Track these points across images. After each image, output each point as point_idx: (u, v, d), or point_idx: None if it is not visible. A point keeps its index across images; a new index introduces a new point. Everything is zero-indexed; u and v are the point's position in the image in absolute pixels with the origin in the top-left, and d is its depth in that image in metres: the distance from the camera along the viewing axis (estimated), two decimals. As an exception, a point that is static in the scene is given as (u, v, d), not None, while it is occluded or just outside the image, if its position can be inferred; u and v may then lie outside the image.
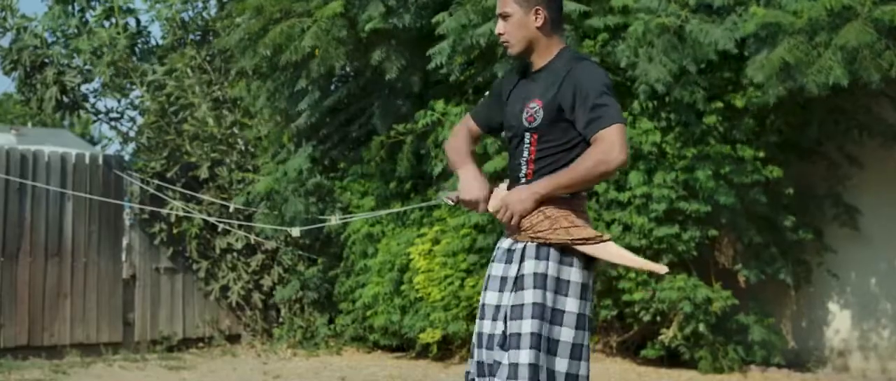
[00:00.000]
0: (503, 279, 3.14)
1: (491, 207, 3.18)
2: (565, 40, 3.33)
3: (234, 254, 9.94)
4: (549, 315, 3.02)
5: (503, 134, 3.37)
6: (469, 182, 3.22)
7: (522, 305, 3.02)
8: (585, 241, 3.06)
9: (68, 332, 9.16)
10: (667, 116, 7.58)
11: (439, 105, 8.19)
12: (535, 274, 3.04)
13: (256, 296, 9.99)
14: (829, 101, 7.63)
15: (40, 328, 9.02)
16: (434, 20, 7.58)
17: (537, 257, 3.06)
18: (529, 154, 3.14)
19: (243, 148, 10.15)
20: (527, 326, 2.99)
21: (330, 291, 9.65)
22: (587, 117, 3.03)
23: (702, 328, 7.61)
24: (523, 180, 3.16)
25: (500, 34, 3.25)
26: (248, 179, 9.89)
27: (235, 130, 10.17)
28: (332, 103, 9.18)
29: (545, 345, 2.99)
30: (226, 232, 9.82)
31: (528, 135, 3.15)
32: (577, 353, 3.03)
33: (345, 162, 9.45)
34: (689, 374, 7.72)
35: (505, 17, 3.22)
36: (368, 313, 8.82)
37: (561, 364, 3.01)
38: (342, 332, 9.55)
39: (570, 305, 3.05)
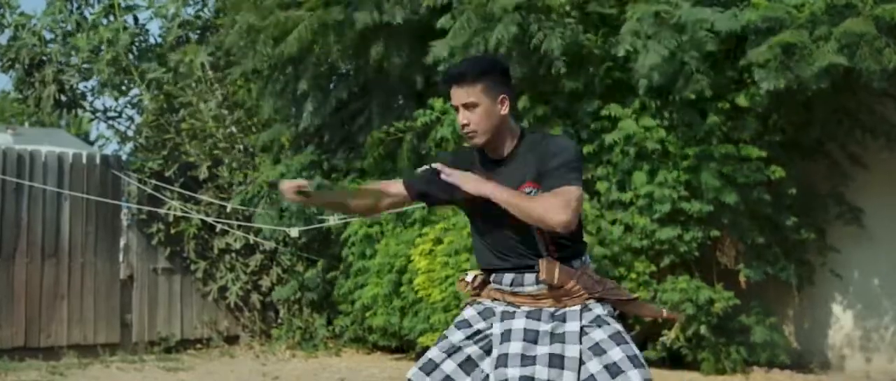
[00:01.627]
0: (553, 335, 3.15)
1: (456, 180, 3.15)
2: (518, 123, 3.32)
3: (233, 254, 9.88)
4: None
5: (472, 218, 3.34)
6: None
7: (614, 334, 3.12)
8: (631, 299, 3.28)
9: (65, 333, 9.10)
10: (670, 115, 7.53)
11: (438, 103, 8.13)
12: (611, 314, 3.18)
13: (255, 297, 9.93)
14: (832, 100, 7.58)
15: (37, 329, 8.96)
16: (439, 25, 7.53)
17: (602, 305, 3.18)
18: (543, 234, 3.14)
19: (243, 148, 10.10)
20: (630, 349, 3.09)
21: (329, 292, 9.59)
22: (557, 175, 3.07)
23: (704, 329, 7.56)
24: (548, 257, 3.16)
25: (464, 125, 3.18)
26: (248, 178, 9.83)
27: (234, 129, 10.11)
28: (332, 104, 9.13)
29: None
30: (224, 232, 9.76)
31: None
32: None
33: (345, 162, 9.40)
34: (692, 375, 7.67)
35: (470, 107, 3.16)
36: (367, 314, 8.77)
37: None
38: (341, 333, 9.50)
39: (621, 326, 3.17)
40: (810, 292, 8.37)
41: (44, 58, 10.52)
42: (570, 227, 3.03)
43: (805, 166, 8.18)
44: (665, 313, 3.62)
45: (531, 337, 3.13)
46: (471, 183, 3.12)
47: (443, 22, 7.48)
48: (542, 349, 3.10)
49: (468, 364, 3.20)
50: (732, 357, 7.72)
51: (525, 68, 7.34)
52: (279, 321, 10.07)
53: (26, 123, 14.75)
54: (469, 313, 3.32)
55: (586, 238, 3.50)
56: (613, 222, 7.52)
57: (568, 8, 7.27)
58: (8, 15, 10.58)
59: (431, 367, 3.22)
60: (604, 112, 7.56)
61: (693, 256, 7.64)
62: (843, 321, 8.35)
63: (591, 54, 7.57)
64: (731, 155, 7.52)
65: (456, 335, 3.27)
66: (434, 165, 3.24)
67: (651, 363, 7.86)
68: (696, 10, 6.90)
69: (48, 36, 10.77)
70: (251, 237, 9.74)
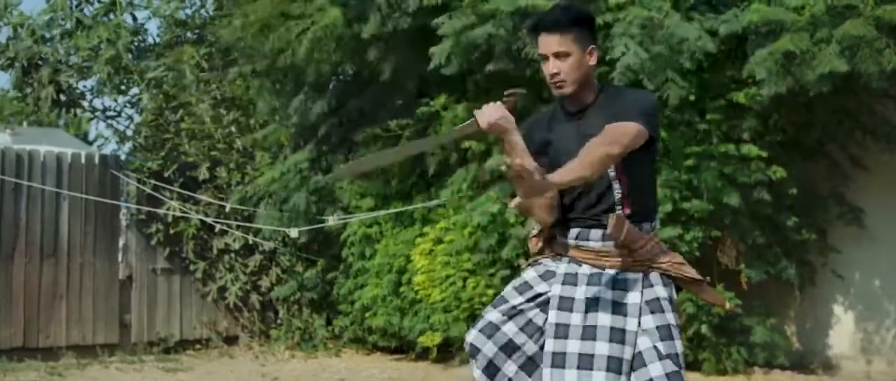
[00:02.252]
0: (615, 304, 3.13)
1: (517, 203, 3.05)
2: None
3: (232, 255, 9.86)
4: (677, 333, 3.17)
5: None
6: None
7: (662, 326, 3.12)
8: (698, 280, 3.24)
9: (64, 333, 9.07)
10: (669, 113, 7.51)
11: (440, 99, 8.12)
12: (671, 298, 3.17)
13: (254, 297, 9.91)
14: (833, 101, 7.56)
15: (36, 329, 8.94)
16: (434, 23, 7.52)
17: (664, 285, 3.18)
18: (621, 187, 3.12)
19: (241, 148, 10.07)
20: (673, 347, 3.09)
21: (328, 292, 9.57)
22: (622, 116, 3.05)
23: (705, 329, 7.54)
24: (621, 212, 3.13)
25: (554, 74, 3.16)
26: (247, 178, 9.80)
27: (233, 129, 10.09)
28: (331, 104, 9.10)
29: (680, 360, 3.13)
30: (223, 233, 9.74)
31: (610, 170, 3.11)
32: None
33: (344, 162, 9.38)
34: (692, 376, 7.61)
35: (561, 56, 3.15)
36: (367, 314, 8.75)
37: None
38: (341, 333, 9.49)
39: (673, 318, 3.18)
40: (811, 293, 8.36)
41: (42, 58, 10.49)
42: (614, 159, 2.98)
43: (806, 167, 8.15)
44: (728, 305, 3.61)
45: (593, 307, 3.10)
46: (546, 185, 2.91)
47: (440, 21, 7.46)
48: (605, 320, 3.08)
49: (530, 327, 3.18)
50: (733, 358, 7.70)
51: (522, 66, 7.32)
52: (278, 321, 10.05)
53: (25, 123, 14.75)
54: (530, 275, 3.28)
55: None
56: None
57: None
58: (8, 13, 10.54)
59: (492, 330, 3.18)
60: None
61: (694, 256, 7.61)
62: (844, 322, 8.33)
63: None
64: (732, 155, 7.50)
65: (516, 298, 3.23)
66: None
67: (652, 364, 7.87)
68: (682, 26, 6.87)
69: (47, 35, 10.75)
70: (250, 238, 9.72)
